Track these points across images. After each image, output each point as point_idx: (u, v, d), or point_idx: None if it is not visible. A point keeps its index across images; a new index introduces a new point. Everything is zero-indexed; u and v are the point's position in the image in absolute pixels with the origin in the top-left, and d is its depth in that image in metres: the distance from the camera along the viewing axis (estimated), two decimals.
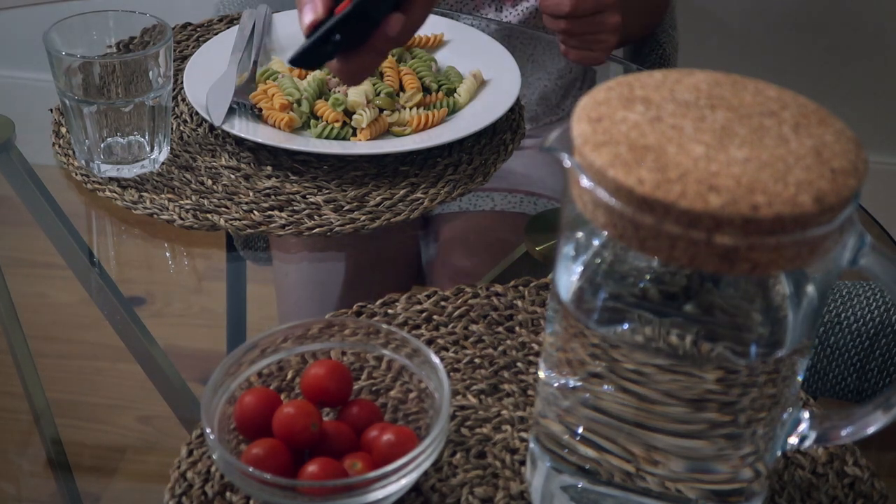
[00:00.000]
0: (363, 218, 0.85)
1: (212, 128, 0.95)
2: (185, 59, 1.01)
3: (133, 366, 0.84)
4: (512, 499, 0.62)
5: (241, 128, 0.90)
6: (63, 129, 0.93)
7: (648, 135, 0.46)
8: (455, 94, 0.97)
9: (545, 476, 0.59)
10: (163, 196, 0.86)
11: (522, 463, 0.64)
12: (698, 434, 0.53)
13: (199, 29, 1.10)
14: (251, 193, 0.87)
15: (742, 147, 0.46)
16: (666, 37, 1.30)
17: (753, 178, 0.44)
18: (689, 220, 0.43)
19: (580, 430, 0.55)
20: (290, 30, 1.05)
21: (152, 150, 0.87)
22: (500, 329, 0.74)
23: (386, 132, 0.93)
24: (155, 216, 0.85)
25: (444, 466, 0.64)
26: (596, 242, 0.52)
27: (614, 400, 0.53)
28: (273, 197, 0.87)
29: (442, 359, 0.70)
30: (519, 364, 0.71)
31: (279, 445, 0.60)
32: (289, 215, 0.85)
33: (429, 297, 0.77)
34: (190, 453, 0.65)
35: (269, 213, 0.85)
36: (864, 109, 1.89)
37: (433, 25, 1.06)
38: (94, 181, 0.87)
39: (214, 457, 0.59)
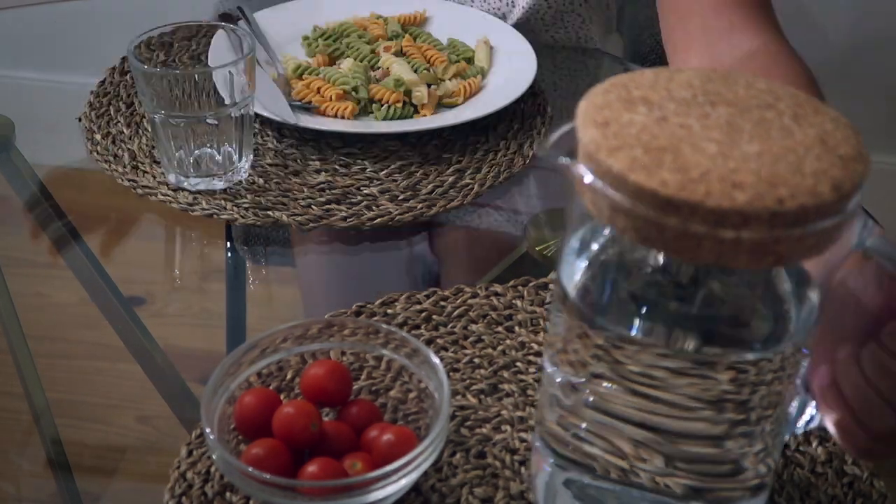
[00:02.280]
0: (420, 206, 0.87)
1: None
2: (191, 58, 1.02)
3: (133, 366, 0.84)
4: (512, 499, 0.62)
5: (309, 123, 0.92)
6: (97, 136, 0.93)
7: (660, 136, 0.46)
8: (476, 62, 1.02)
9: (549, 472, 0.59)
10: (218, 197, 0.86)
11: (522, 463, 0.64)
12: (716, 436, 0.53)
13: (200, 29, 1.10)
14: (305, 189, 0.88)
15: (752, 141, 0.46)
16: None
17: (772, 171, 0.44)
18: (715, 218, 0.43)
19: (584, 428, 0.55)
20: (278, 25, 1.07)
21: (240, 159, 0.88)
22: (500, 329, 0.74)
23: (438, 105, 0.98)
24: (214, 216, 0.85)
25: (443, 466, 0.64)
26: (601, 241, 0.53)
27: (622, 402, 0.53)
28: (328, 191, 0.88)
29: (441, 359, 0.70)
30: (518, 364, 0.71)
31: (279, 445, 0.60)
32: (348, 208, 0.86)
33: (428, 296, 0.77)
34: (190, 453, 0.65)
35: (328, 206, 0.86)
36: (864, 109, 1.89)
37: (411, 4, 1.10)
38: (143, 186, 0.88)
39: (214, 457, 0.59)
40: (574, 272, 0.53)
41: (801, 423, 0.58)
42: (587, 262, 0.53)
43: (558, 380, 0.56)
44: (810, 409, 0.58)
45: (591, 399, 0.54)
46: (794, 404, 0.57)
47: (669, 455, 0.54)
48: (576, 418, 0.56)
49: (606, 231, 0.53)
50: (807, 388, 0.57)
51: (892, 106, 1.92)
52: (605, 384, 0.53)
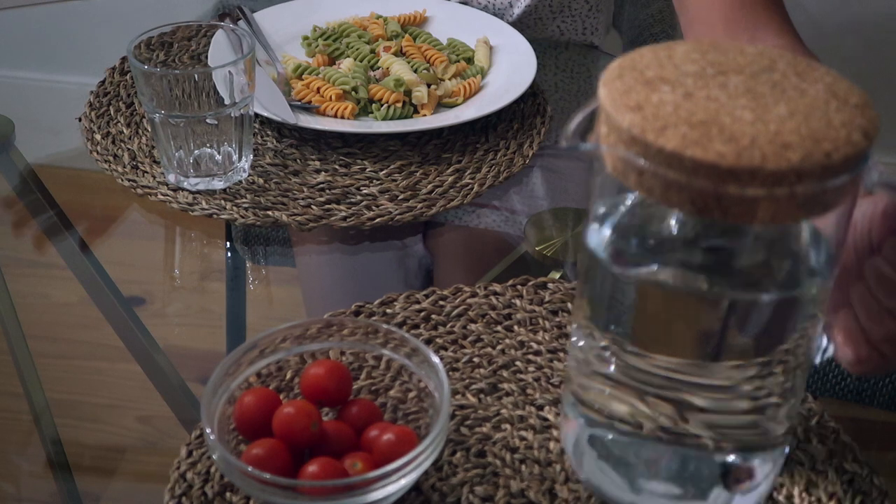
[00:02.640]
0: (420, 206, 0.87)
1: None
2: (191, 58, 1.02)
3: (133, 366, 0.84)
4: (512, 497, 0.62)
5: (309, 123, 0.92)
6: (97, 136, 0.93)
7: (696, 111, 0.48)
8: (476, 61, 1.03)
9: (577, 430, 0.62)
10: (217, 196, 0.86)
11: (522, 461, 0.64)
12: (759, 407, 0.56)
13: (200, 29, 1.10)
14: (304, 189, 0.88)
15: (778, 104, 0.48)
16: (665, 37, 1.30)
17: (810, 128, 0.47)
18: (774, 179, 0.46)
19: (607, 390, 0.58)
20: (278, 25, 1.07)
21: (240, 159, 0.88)
22: (499, 328, 0.74)
23: (438, 105, 0.98)
24: (214, 216, 0.85)
25: (444, 466, 0.64)
26: (624, 213, 0.55)
27: (645, 373, 0.55)
28: (328, 191, 0.88)
29: (441, 358, 0.70)
30: (518, 363, 0.71)
31: (279, 445, 0.60)
32: (347, 207, 0.86)
33: (427, 296, 0.77)
34: (190, 454, 0.65)
35: (328, 206, 0.86)
36: None
37: (411, 4, 1.11)
38: (143, 186, 0.88)
39: (214, 457, 0.59)
40: (601, 243, 0.55)
41: (816, 356, 0.60)
42: (613, 233, 0.55)
43: (581, 343, 0.59)
44: (823, 341, 0.60)
45: (614, 368, 0.56)
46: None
47: (694, 418, 0.56)
48: (600, 381, 0.58)
49: (627, 203, 0.55)
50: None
51: (891, 105, 1.91)
52: (626, 349, 0.55)
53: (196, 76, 0.84)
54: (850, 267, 0.58)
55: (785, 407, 0.57)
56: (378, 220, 0.86)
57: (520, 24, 1.18)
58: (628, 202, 0.55)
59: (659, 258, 0.55)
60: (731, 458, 0.58)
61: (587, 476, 0.61)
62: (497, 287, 0.78)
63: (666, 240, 0.55)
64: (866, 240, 0.57)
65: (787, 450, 0.61)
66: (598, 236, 0.55)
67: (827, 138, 0.47)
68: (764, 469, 0.59)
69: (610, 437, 0.59)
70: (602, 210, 0.55)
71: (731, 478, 0.58)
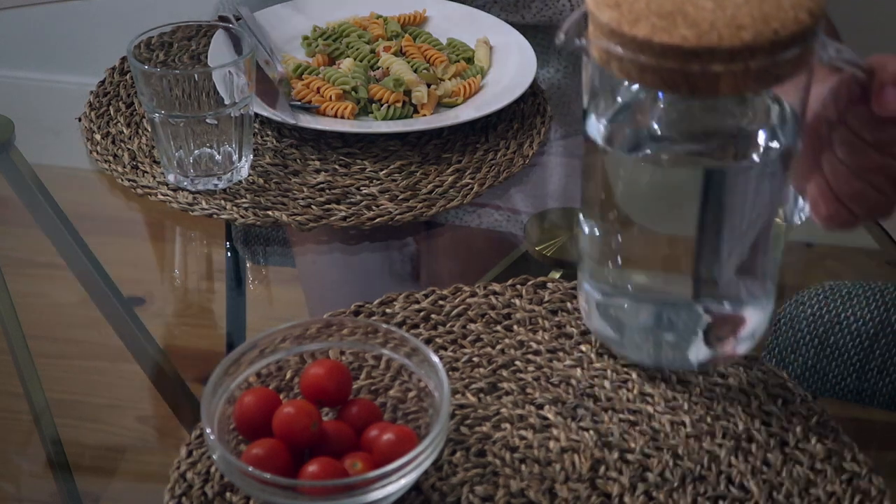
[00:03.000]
0: (419, 206, 0.87)
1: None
2: (191, 58, 1.03)
3: (133, 366, 0.85)
4: (512, 497, 0.62)
5: (309, 123, 0.92)
6: (97, 136, 0.93)
7: (664, 4, 0.56)
8: (476, 61, 1.02)
9: (586, 295, 0.71)
10: (217, 197, 0.86)
11: (522, 461, 0.64)
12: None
13: (200, 29, 1.10)
14: (304, 189, 0.88)
15: None
16: None
17: (762, 11, 0.55)
18: (730, 56, 0.54)
19: (618, 265, 0.67)
20: (278, 25, 1.07)
21: (240, 159, 0.88)
22: (499, 328, 0.74)
23: (438, 105, 0.98)
24: (214, 216, 0.85)
25: (443, 465, 0.64)
26: (615, 101, 0.64)
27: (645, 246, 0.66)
28: (328, 191, 0.88)
29: (440, 358, 0.70)
30: (517, 363, 0.71)
31: (279, 445, 0.60)
32: (347, 207, 0.86)
33: (427, 296, 0.77)
34: (190, 453, 0.65)
35: (328, 206, 0.86)
36: None
37: (411, 3, 1.10)
38: (143, 186, 0.87)
39: (214, 457, 0.59)
40: (599, 127, 0.64)
41: (795, 216, 0.68)
42: (606, 120, 0.64)
43: (586, 230, 0.67)
44: (800, 202, 0.67)
45: (617, 250, 0.67)
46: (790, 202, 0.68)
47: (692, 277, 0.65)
48: (602, 255, 0.67)
49: (616, 93, 0.63)
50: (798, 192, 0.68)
51: None
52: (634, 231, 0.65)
53: (196, 76, 0.84)
54: (820, 136, 0.64)
55: (765, 258, 0.65)
56: (378, 220, 0.86)
57: None
58: (617, 92, 0.64)
59: (646, 140, 0.64)
60: (714, 311, 0.67)
61: (594, 328, 0.72)
62: (496, 287, 0.78)
63: (650, 124, 0.64)
64: (832, 111, 0.63)
65: (768, 322, 0.69)
66: (595, 125, 0.64)
67: (776, 18, 0.55)
68: (747, 327, 0.67)
69: (611, 300, 0.69)
70: (594, 101, 0.63)
71: (713, 334, 0.67)
